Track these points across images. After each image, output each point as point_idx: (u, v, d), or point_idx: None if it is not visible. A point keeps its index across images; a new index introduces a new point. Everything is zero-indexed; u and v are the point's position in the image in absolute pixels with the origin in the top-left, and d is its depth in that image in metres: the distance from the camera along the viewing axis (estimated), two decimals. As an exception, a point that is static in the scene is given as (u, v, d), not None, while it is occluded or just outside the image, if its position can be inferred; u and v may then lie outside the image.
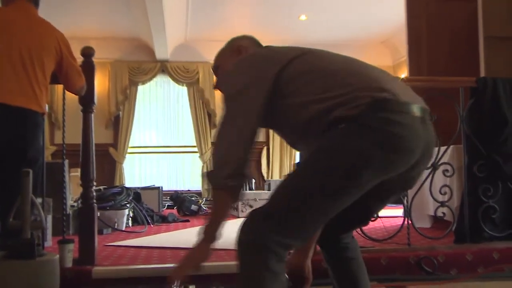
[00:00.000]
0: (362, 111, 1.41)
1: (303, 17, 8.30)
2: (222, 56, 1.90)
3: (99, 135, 8.82)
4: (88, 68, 2.99)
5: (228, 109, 1.58)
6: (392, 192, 1.64)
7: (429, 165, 3.27)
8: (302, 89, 1.53)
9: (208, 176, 1.54)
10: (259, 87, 1.54)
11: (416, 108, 1.47)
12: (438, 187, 3.39)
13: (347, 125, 1.42)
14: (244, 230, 1.47)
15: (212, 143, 1.49)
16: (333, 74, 1.53)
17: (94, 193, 3.06)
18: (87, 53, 3.04)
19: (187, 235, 4.74)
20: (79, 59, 2.99)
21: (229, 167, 1.51)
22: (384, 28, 8.90)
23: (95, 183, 3.08)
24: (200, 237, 1.59)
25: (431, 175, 3.28)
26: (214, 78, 1.92)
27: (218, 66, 1.88)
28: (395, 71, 9.90)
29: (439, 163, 3.30)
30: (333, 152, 1.43)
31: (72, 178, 6.00)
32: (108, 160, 9.07)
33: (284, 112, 1.56)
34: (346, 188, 1.42)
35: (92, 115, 3.04)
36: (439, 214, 3.50)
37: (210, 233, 1.59)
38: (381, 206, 1.74)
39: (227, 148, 1.53)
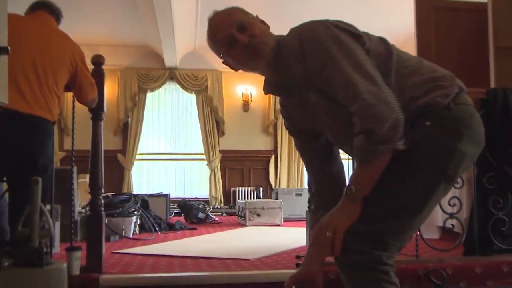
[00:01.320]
0: (452, 101, 1.47)
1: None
2: (246, 15, 1.66)
3: (108, 141, 8.86)
4: (98, 76, 3.01)
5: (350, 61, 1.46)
6: None
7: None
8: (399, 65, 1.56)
9: (378, 138, 1.37)
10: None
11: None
12: (447, 198, 3.36)
13: (437, 122, 1.45)
14: (353, 250, 1.41)
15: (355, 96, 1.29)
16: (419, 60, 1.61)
17: (102, 201, 3.06)
18: (98, 61, 3.06)
19: (194, 244, 4.74)
20: (90, 66, 3.00)
21: (400, 130, 1.39)
22: (393, 36, 8.76)
23: (103, 190, 3.09)
24: (350, 195, 1.45)
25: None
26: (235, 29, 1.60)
27: (247, 22, 1.61)
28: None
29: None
30: (433, 151, 1.44)
31: (81, 184, 6.02)
32: (116, 167, 9.11)
33: None
34: (447, 188, 1.48)
35: (102, 123, 3.05)
36: (448, 225, 3.47)
37: (365, 190, 1.43)
38: None
39: (391, 109, 1.38)
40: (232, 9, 1.66)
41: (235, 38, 1.56)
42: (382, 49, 1.59)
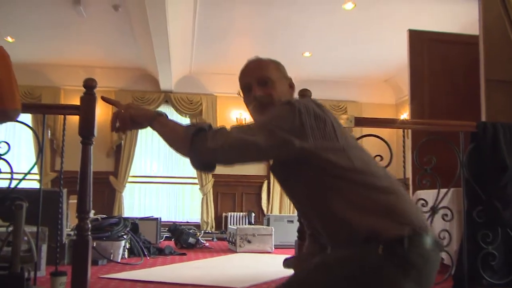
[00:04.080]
0: (405, 240, 1.35)
1: (307, 54, 8.38)
2: (276, 73, 1.77)
3: (100, 163, 8.85)
4: (90, 100, 3.00)
5: (260, 125, 1.50)
6: None
7: (428, 208, 3.25)
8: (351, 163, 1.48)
9: (198, 136, 1.49)
10: (301, 141, 1.46)
11: (438, 244, 1.44)
12: (437, 231, 3.35)
13: (389, 253, 1.35)
14: None
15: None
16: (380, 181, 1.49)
17: (90, 225, 3.02)
18: (89, 85, 3.05)
19: (182, 270, 4.69)
20: (81, 90, 2.99)
21: (214, 153, 1.47)
22: (387, 66, 8.97)
23: (93, 211, 3.06)
24: (152, 117, 1.61)
25: (430, 219, 3.24)
26: (254, 84, 1.74)
27: (271, 80, 1.73)
28: (398, 110, 9.94)
29: (439, 207, 3.27)
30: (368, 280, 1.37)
31: (71, 206, 5.99)
32: (107, 189, 9.06)
33: (313, 176, 1.49)
34: None
35: (91, 147, 3.04)
36: (438, 257, 3.45)
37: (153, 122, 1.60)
38: None
39: (231, 144, 1.46)
40: (268, 62, 1.79)
41: (252, 88, 1.73)
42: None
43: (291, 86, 1.80)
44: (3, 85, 2.48)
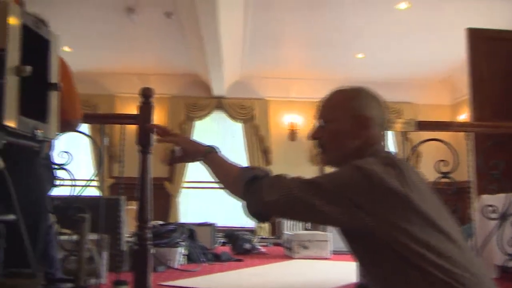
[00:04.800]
0: None
1: (360, 55, 8.23)
2: (336, 112, 1.51)
3: (155, 169, 8.87)
4: (147, 109, 3.01)
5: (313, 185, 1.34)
6: None
7: (498, 215, 3.10)
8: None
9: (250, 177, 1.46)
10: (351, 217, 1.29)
11: None
12: (507, 238, 3.19)
13: None
14: None
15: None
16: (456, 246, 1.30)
17: (150, 234, 3.04)
18: (146, 94, 3.06)
19: (240, 277, 4.66)
20: (136, 97, 3.00)
21: (269, 206, 1.39)
22: (442, 66, 8.71)
23: (151, 223, 3.06)
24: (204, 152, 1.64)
25: (499, 226, 3.09)
26: (313, 124, 1.57)
27: (327, 121, 1.52)
28: (454, 111, 9.63)
29: (508, 213, 3.11)
30: None
31: (129, 212, 6.07)
32: (163, 195, 9.16)
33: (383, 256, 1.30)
34: None
35: (150, 156, 3.05)
36: (509, 265, 3.29)
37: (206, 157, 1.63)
38: None
39: (289, 202, 1.34)
40: (342, 100, 1.52)
41: (314, 124, 1.55)
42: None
43: (364, 124, 1.47)
44: (65, 96, 2.52)
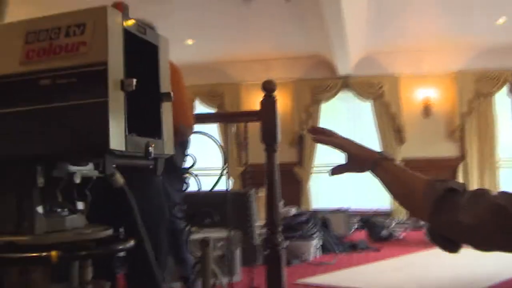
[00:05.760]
0: None
1: (501, 20, 7.33)
2: None
3: (284, 154, 8.81)
4: (270, 104, 2.80)
5: None
6: None
7: None
8: None
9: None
10: None
11: None
12: None
13: None
14: None
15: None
16: None
17: (282, 239, 2.84)
18: (268, 87, 2.85)
19: (380, 272, 4.35)
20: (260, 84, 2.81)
21: (466, 231, 1.04)
22: None
23: (283, 201, 2.90)
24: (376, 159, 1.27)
25: None
26: None
27: None
28: None
29: None
30: None
31: (259, 199, 5.99)
32: (293, 180, 9.01)
33: None
34: None
35: (276, 154, 2.84)
36: None
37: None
38: None
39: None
40: None
41: None
42: None
43: None
44: (176, 103, 2.38)
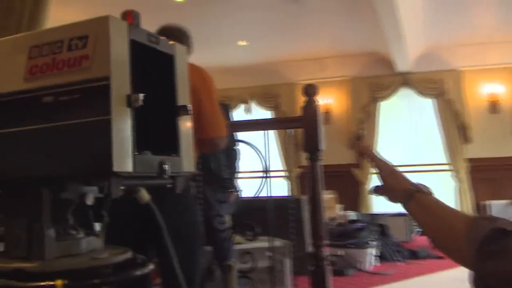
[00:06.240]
0: None
1: None
2: None
3: (341, 155, 8.61)
4: (311, 110, 2.62)
5: None
6: None
7: None
8: None
9: None
10: None
11: None
12: None
13: None
14: None
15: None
16: None
17: (327, 253, 2.66)
18: (309, 92, 2.67)
19: (441, 284, 4.06)
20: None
21: None
22: None
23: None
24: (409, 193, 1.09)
25: None
26: None
27: None
28: None
29: None
30: None
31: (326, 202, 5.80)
32: (352, 183, 8.74)
33: None
34: None
35: (319, 163, 2.65)
36: None
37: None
38: None
39: None
40: None
41: None
42: None
43: None
44: (208, 112, 2.24)
